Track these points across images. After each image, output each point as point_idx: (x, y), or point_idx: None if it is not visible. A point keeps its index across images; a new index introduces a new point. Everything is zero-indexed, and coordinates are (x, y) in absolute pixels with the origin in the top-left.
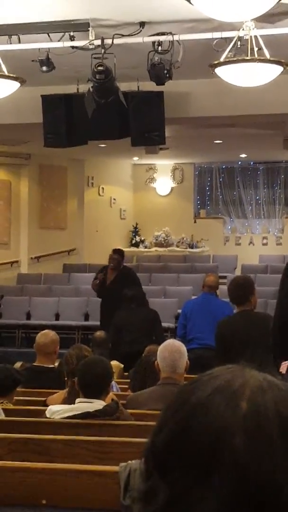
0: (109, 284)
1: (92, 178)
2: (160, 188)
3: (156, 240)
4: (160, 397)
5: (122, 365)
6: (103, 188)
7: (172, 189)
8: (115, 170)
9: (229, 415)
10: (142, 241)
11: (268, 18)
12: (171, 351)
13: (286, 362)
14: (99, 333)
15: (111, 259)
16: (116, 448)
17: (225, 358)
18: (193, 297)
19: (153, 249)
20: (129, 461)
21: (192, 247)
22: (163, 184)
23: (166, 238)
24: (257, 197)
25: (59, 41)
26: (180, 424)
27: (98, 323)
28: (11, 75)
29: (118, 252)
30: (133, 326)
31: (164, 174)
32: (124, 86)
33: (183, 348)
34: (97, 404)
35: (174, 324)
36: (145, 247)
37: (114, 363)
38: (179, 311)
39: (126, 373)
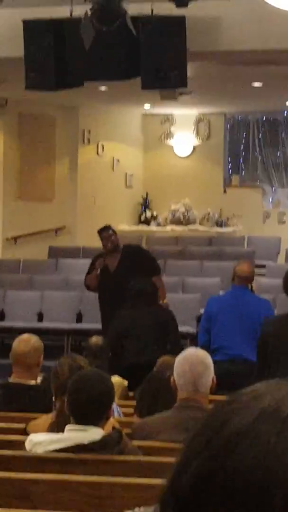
0: (114, 271)
1: (89, 132)
2: (179, 146)
3: (173, 216)
4: (177, 424)
5: (126, 382)
6: (103, 146)
7: (194, 148)
8: (120, 122)
9: (282, 448)
10: (155, 217)
11: None
12: (192, 364)
13: None
14: (96, 340)
15: (106, 240)
16: (118, 492)
17: (269, 371)
18: (221, 292)
19: (169, 228)
20: (136, 508)
21: (220, 226)
22: (183, 141)
23: (186, 213)
24: None
25: None
26: (213, 460)
27: (93, 326)
28: None
29: (109, 228)
30: (140, 330)
31: (184, 127)
32: (133, 9)
33: (208, 359)
34: (94, 433)
35: (196, 329)
36: (158, 225)
37: (115, 379)
38: (202, 310)
39: (131, 393)
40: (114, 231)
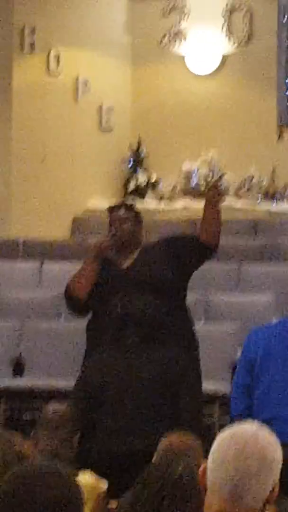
0: (129, 267)
1: (33, 31)
2: (196, 57)
3: (188, 183)
4: None
5: (104, 484)
6: (58, 57)
7: (225, 59)
8: (88, 14)
9: None
10: (154, 186)
11: None
12: (242, 452)
13: None
14: (57, 407)
15: (113, 224)
16: None
17: None
18: (274, 321)
19: (180, 204)
20: None
21: (272, 199)
22: (205, 47)
23: (211, 178)
24: None
25: None
26: None
27: (47, 382)
28: None
29: (122, 206)
30: (129, 390)
31: (206, 22)
32: None
33: (275, 450)
34: None
35: (229, 387)
36: (161, 199)
37: (86, 478)
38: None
39: (113, 503)
40: (134, 213)
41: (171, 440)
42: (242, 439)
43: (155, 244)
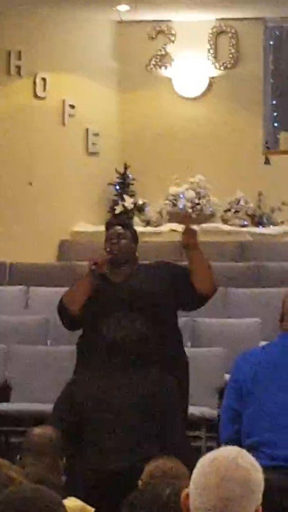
0: (122, 282)
1: (19, 56)
2: (183, 80)
3: (174, 206)
4: None
5: (90, 510)
6: (44, 81)
7: (211, 82)
8: (75, 39)
9: None
10: (140, 210)
11: None
12: (225, 477)
13: None
14: (42, 432)
15: (109, 240)
16: None
17: None
18: (262, 344)
19: (166, 227)
20: None
21: (259, 224)
22: (191, 70)
23: (197, 201)
24: None
25: None
26: None
27: (32, 406)
28: None
29: (118, 223)
30: (112, 412)
31: (192, 46)
32: None
33: (257, 474)
34: None
35: (218, 411)
36: (147, 224)
37: (72, 503)
38: (228, 377)
39: None
40: (131, 231)
41: (157, 464)
42: (223, 464)
43: (152, 265)
